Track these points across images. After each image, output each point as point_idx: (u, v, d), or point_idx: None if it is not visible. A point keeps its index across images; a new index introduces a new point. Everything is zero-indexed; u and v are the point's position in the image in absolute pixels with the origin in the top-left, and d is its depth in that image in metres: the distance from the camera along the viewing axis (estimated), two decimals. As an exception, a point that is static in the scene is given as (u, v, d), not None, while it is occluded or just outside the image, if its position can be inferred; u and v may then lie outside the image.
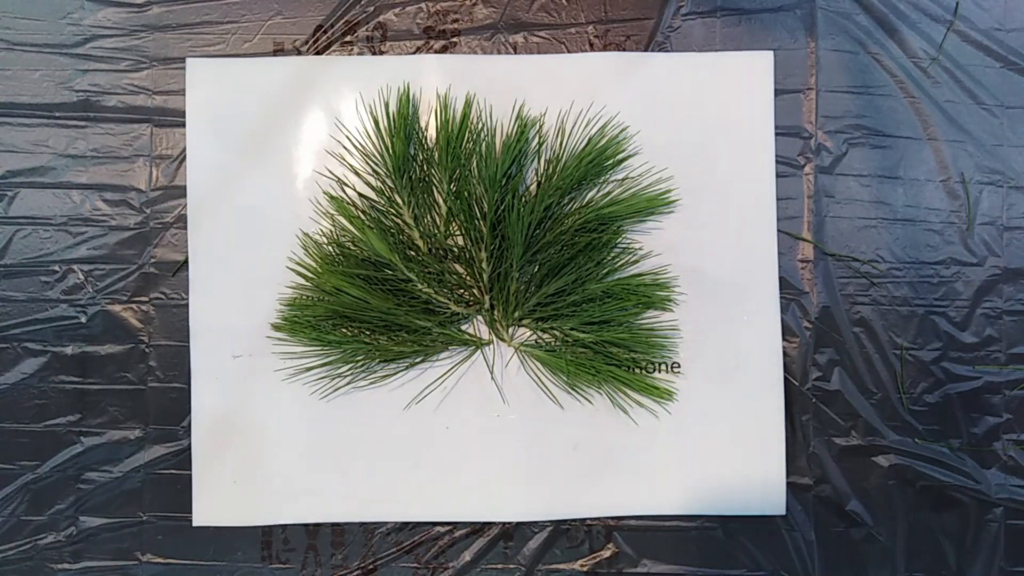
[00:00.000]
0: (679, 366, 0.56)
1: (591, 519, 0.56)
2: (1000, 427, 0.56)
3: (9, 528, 0.56)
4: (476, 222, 0.54)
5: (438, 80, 0.56)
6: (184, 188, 0.56)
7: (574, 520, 0.56)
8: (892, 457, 0.56)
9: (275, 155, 0.56)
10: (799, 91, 0.57)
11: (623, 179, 0.56)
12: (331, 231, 0.56)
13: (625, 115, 0.56)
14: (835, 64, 0.57)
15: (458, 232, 0.55)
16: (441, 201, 0.55)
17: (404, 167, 0.54)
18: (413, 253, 0.55)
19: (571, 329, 0.54)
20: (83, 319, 0.56)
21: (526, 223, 0.52)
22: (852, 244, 0.57)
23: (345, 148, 0.56)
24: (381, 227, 0.55)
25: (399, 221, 0.55)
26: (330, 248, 0.55)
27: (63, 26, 0.57)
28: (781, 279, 0.56)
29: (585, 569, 0.56)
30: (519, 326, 0.56)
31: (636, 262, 0.56)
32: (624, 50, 0.57)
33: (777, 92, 0.56)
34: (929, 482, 0.56)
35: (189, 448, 0.56)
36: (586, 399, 0.55)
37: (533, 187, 0.55)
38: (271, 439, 0.56)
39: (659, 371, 0.56)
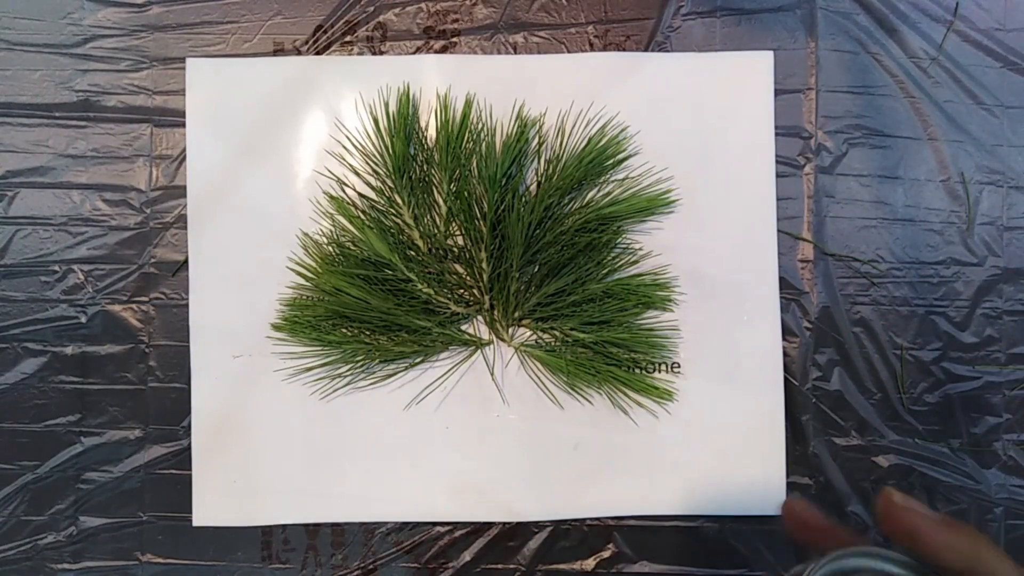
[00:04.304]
0: (679, 366, 0.56)
1: (591, 519, 0.56)
2: (1000, 427, 0.56)
3: (9, 528, 0.56)
4: (476, 222, 0.54)
5: (438, 80, 0.56)
6: (184, 188, 0.56)
7: (574, 520, 0.56)
8: (892, 457, 0.56)
9: (275, 155, 0.56)
10: (799, 91, 0.57)
11: (623, 179, 0.56)
12: (331, 231, 0.56)
13: (625, 115, 0.56)
14: (835, 64, 0.57)
15: (458, 232, 0.55)
16: (441, 201, 0.55)
17: (404, 167, 0.54)
18: (413, 253, 0.55)
19: (571, 329, 0.54)
20: (83, 319, 0.56)
21: (526, 223, 0.52)
22: (852, 244, 0.57)
23: (345, 148, 0.56)
24: (381, 227, 0.55)
25: (399, 221, 0.55)
26: (330, 248, 0.55)
27: (63, 26, 0.57)
28: (781, 279, 0.56)
29: (588, 569, 0.56)
30: (519, 326, 0.56)
31: (636, 262, 0.56)
32: (624, 50, 0.57)
33: (777, 92, 0.56)
34: (929, 482, 0.56)
35: (189, 448, 0.56)
36: (586, 399, 0.55)
37: (533, 187, 0.55)
38: (271, 439, 0.56)
39: (659, 371, 0.56)
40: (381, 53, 0.57)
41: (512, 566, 0.56)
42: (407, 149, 0.54)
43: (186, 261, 0.56)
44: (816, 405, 0.56)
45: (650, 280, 0.55)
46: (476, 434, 0.56)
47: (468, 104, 0.55)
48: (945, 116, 0.57)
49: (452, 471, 0.56)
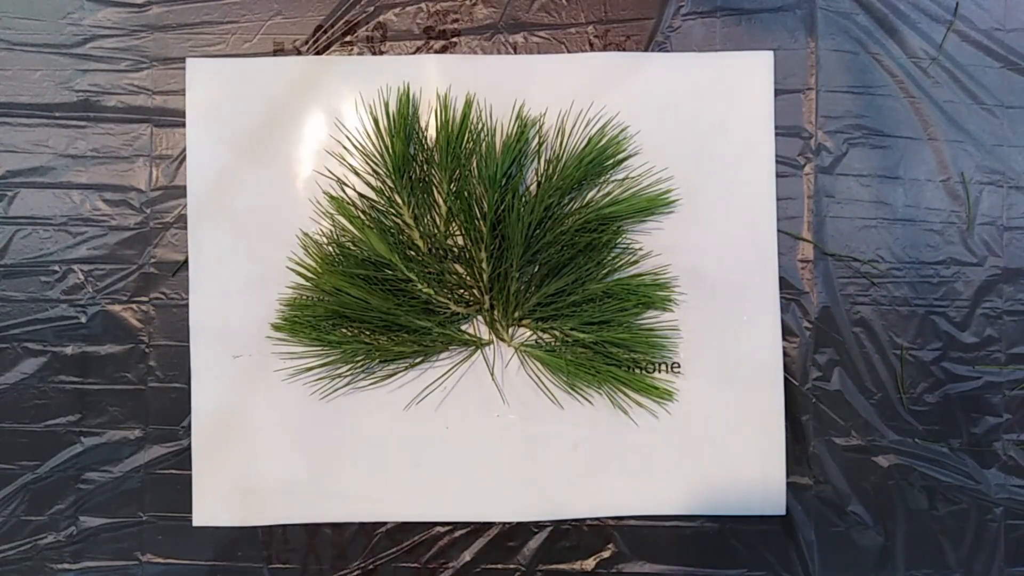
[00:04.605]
0: (679, 366, 0.56)
1: (591, 519, 0.56)
2: (1000, 427, 0.56)
3: (9, 528, 0.56)
4: (476, 222, 0.54)
5: (438, 80, 0.56)
6: (184, 188, 0.56)
7: (574, 520, 0.56)
8: (892, 457, 0.56)
9: (275, 155, 0.56)
10: (799, 91, 0.57)
11: (623, 179, 0.56)
12: (331, 231, 0.56)
13: (625, 115, 0.56)
14: (835, 64, 0.57)
15: (458, 232, 0.55)
16: (441, 201, 0.55)
17: (404, 167, 0.54)
18: (413, 253, 0.55)
19: (571, 329, 0.54)
20: (83, 319, 0.56)
21: (526, 223, 0.52)
22: (852, 244, 0.57)
23: (345, 148, 0.56)
24: (381, 227, 0.55)
25: (399, 221, 0.55)
26: (330, 248, 0.55)
27: (63, 26, 0.57)
28: (781, 279, 0.56)
29: (588, 569, 0.56)
30: (519, 326, 0.56)
31: (636, 262, 0.56)
32: (624, 50, 0.57)
33: (777, 92, 0.56)
34: (929, 482, 0.56)
35: (189, 448, 0.56)
36: (586, 399, 0.55)
37: (533, 187, 0.55)
38: (271, 439, 0.56)
39: (659, 371, 0.56)
40: (381, 53, 0.57)
41: (512, 566, 0.56)
42: (407, 149, 0.54)
43: (186, 261, 0.56)
44: (816, 405, 0.56)
45: (650, 280, 0.55)
46: (476, 434, 0.56)
47: (468, 104, 0.55)
48: (945, 116, 0.57)
49: (452, 471, 0.56)
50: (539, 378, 0.55)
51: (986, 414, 0.56)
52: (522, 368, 0.56)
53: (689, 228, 0.56)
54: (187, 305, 0.56)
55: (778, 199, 0.56)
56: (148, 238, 0.57)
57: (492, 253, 0.54)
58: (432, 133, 0.55)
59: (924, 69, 0.57)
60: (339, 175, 0.56)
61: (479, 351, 0.56)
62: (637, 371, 0.55)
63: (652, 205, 0.55)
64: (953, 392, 0.56)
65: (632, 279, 0.55)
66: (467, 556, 0.56)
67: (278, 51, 0.57)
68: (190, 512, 0.56)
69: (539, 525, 0.56)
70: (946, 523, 0.56)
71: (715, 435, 0.55)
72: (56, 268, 0.57)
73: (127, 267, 0.57)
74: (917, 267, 0.57)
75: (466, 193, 0.54)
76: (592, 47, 0.57)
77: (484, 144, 0.54)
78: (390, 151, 0.54)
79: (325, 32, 0.57)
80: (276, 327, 0.55)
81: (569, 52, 0.57)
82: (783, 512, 0.55)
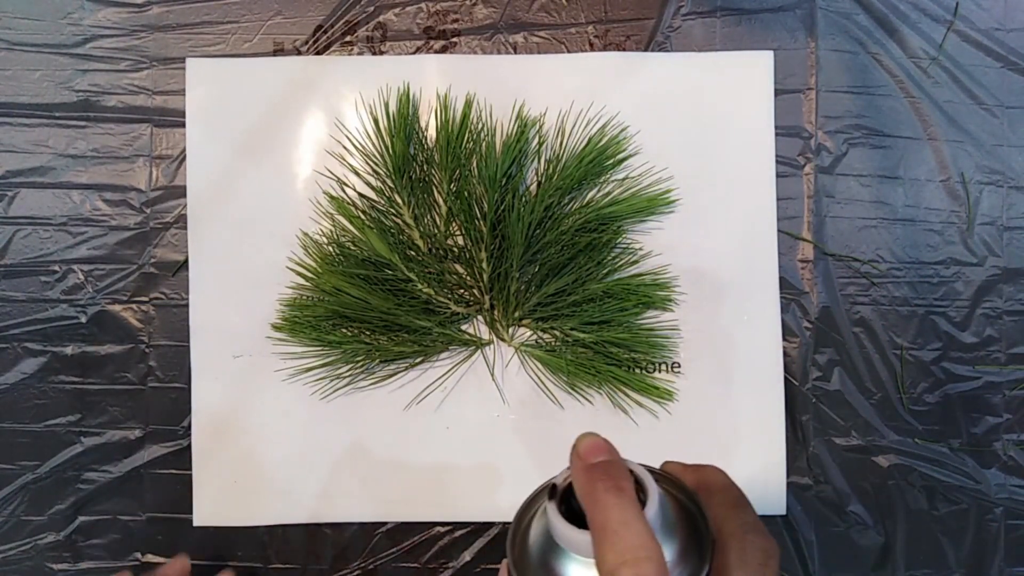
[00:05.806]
0: (679, 366, 0.56)
1: (591, 519, 0.56)
2: (1000, 427, 0.56)
3: (9, 528, 0.56)
4: (476, 222, 0.54)
5: (438, 80, 0.56)
6: (184, 188, 0.56)
7: (574, 520, 0.56)
8: (892, 457, 0.56)
9: (275, 155, 0.56)
10: (799, 91, 0.57)
11: (623, 179, 0.56)
12: (331, 231, 0.56)
13: (625, 115, 0.56)
14: (835, 64, 0.57)
15: (458, 232, 0.55)
16: (441, 201, 0.55)
17: (404, 167, 0.54)
18: (413, 253, 0.55)
19: (571, 329, 0.54)
20: (83, 319, 0.56)
21: (526, 223, 0.52)
22: (852, 244, 0.57)
23: (345, 148, 0.56)
24: (381, 227, 0.55)
25: (399, 221, 0.55)
26: (330, 248, 0.55)
27: (63, 26, 0.57)
28: (781, 279, 0.56)
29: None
30: (519, 326, 0.56)
31: (636, 262, 0.56)
32: (624, 50, 0.57)
33: (777, 92, 0.56)
34: (929, 482, 0.56)
35: (189, 448, 0.56)
36: (586, 399, 0.55)
37: (533, 187, 0.55)
38: (271, 439, 0.56)
39: (659, 371, 0.56)
40: (381, 53, 0.57)
41: (512, 566, 0.56)
42: (407, 149, 0.54)
43: (186, 261, 0.56)
44: (816, 405, 0.56)
45: (650, 280, 0.55)
46: (476, 434, 0.56)
47: (468, 104, 0.55)
48: (945, 116, 0.57)
49: (452, 471, 0.56)
50: (539, 378, 0.55)
51: (986, 414, 0.56)
52: (522, 368, 0.56)
53: (689, 228, 0.56)
54: (187, 305, 0.56)
55: (778, 199, 0.56)
56: (148, 238, 0.57)
57: (492, 253, 0.54)
58: (432, 133, 0.55)
59: (924, 69, 0.57)
60: (339, 175, 0.56)
61: (479, 351, 0.56)
62: (637, 371, 0.55)
63: (652, 205, 0.55)
64: (953, 392, 0.56)
65: (632, 279, 0.55)
66: (467, 556, 0.56)
67: (278, 51, 0.57)
68: (190, 512, 0.56)
69: (539, 525, 0.56)
70: (946, 523, 0.56)
71: (715, 435, 0.55)
72: (56, 268, 0.57)
73: (127, 267, 0.57)
74: (917, 267, 0.57)
75: (466, 193, 0.54)
76: (592, 47, 0.57)
77: (484, 144, 0.54)
78: (390, 151, 0.54)
79: (325, 32, 0.57)
80: (276, 327, 0.55)
81: (569, 52, 0.57)
82: (783, 512, 0.55)
